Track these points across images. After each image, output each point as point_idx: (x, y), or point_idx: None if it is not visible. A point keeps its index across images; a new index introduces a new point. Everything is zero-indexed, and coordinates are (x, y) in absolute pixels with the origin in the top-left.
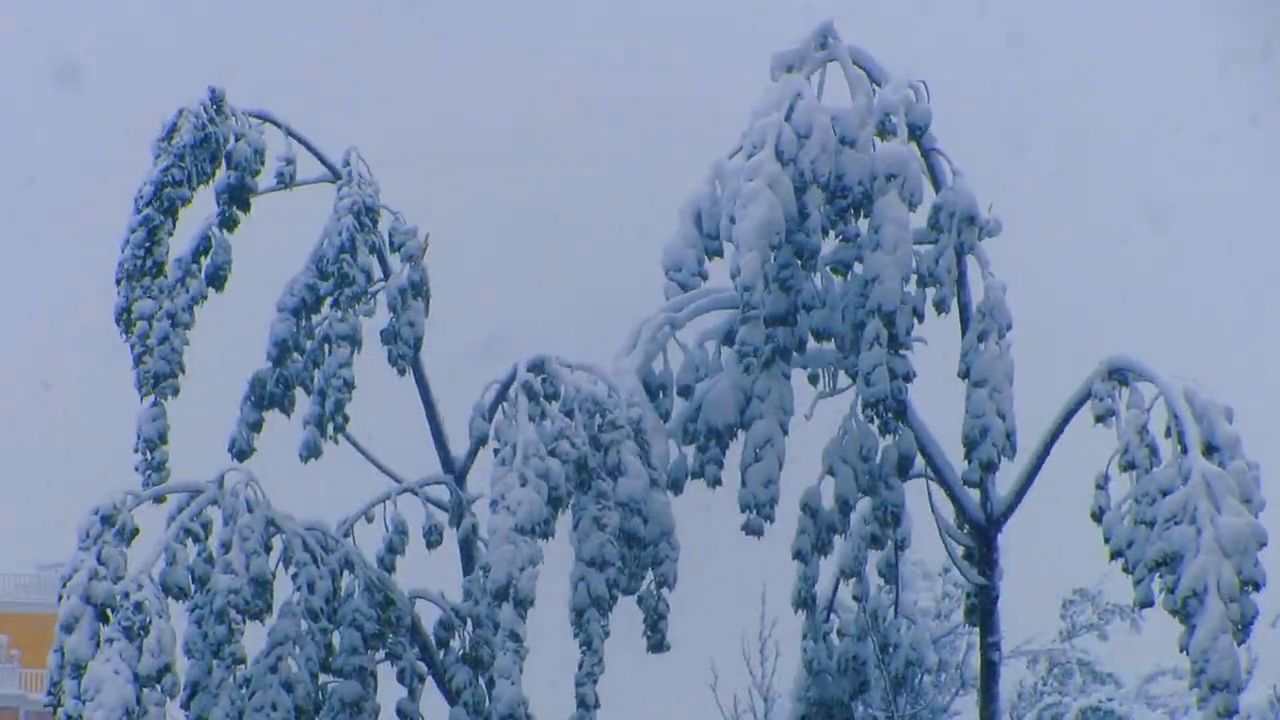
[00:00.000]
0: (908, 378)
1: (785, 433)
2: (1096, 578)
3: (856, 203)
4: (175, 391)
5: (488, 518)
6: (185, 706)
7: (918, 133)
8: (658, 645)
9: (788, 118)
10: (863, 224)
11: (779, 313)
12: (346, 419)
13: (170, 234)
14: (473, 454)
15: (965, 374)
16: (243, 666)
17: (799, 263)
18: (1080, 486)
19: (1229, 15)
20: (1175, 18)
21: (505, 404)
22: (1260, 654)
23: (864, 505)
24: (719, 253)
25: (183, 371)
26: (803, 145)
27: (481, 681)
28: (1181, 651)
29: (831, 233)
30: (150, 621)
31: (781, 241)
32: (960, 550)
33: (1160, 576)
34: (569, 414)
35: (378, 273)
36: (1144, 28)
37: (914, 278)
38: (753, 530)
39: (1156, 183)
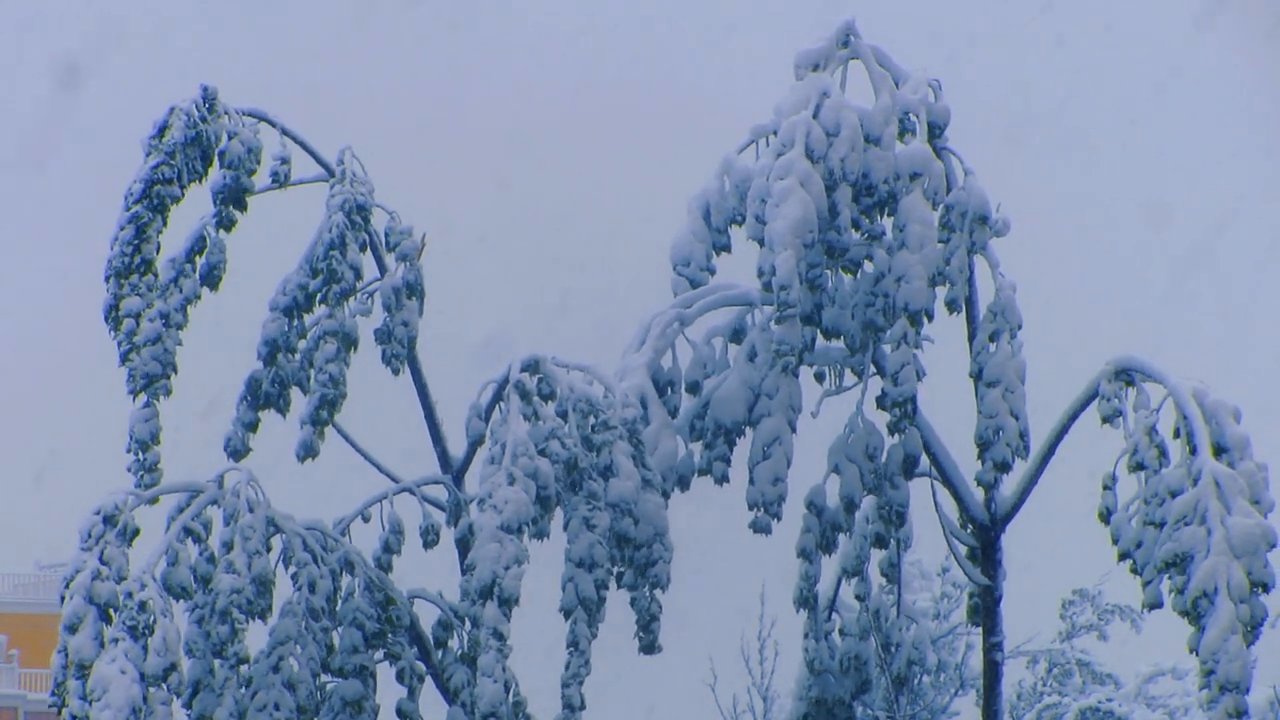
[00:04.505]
0: (919, 376)
1: (794, 431)
2: (1096, 578)
3: (881, 201)
4: (167, 392)
5: (475, 516)
6: (187, 706)
7: (936, 132)
8: (649, 647)
9: (815, 116)
10: (886, 222)
11: (806, 311)
12: (330, 416)
13: (160, 232)
14: (470, 454)
15: (977, 374)
16: (246, 666)
17: (825, 261)
18: (1076, 487)
19: (1232, 14)
20: (1178, 17)
21: (502, 403)
22: (1260, 654)
23: (868, 504)
24: (727, 247)
25: (175, 372)
26: (832, 144)
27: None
28: (1191, 652)
29: (855, 231)
30: (155, 621)
31: (814, 240)
32: (963, 550)
33: (1170, 577)
34: (563, 414)
35: (372, 272)
36: (1146, 27)
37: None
38: (760, 528)
39: (1158, 182)
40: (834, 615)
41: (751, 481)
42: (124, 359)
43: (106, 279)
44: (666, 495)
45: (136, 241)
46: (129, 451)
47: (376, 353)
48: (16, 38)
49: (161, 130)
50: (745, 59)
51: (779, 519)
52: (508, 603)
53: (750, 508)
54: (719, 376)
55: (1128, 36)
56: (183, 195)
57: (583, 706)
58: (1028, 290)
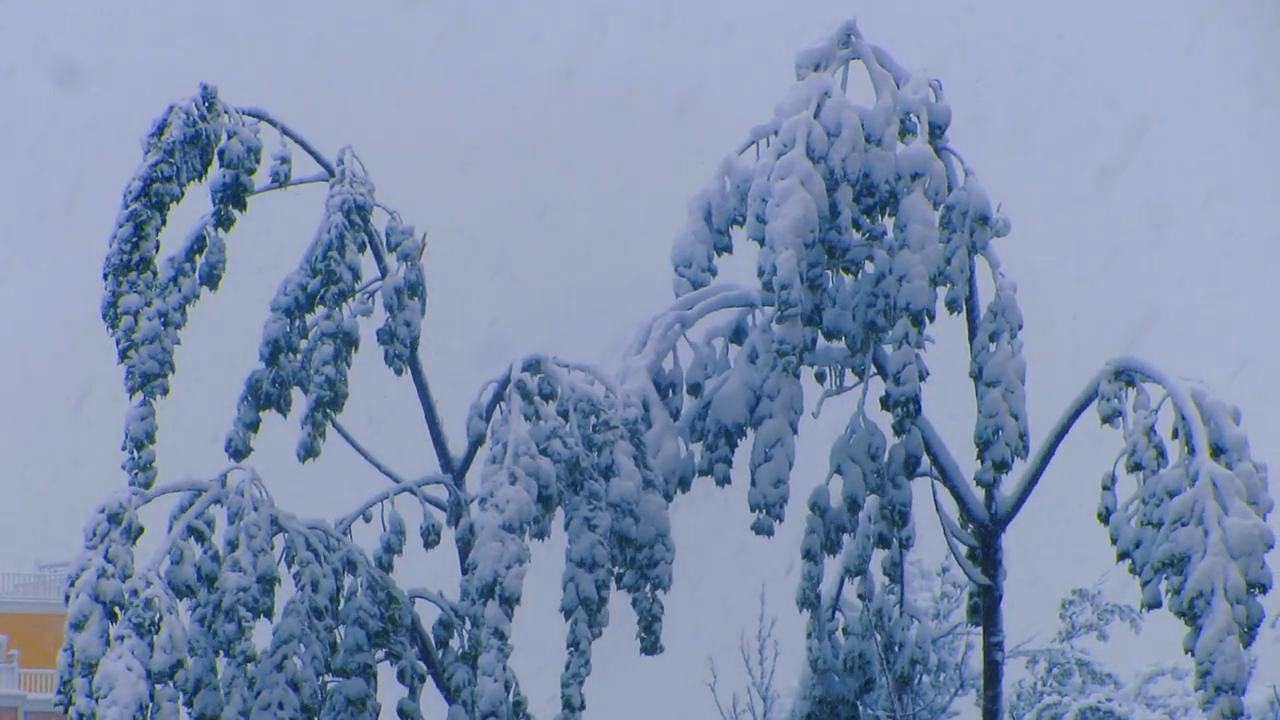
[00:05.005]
0: (922, 376)
1: (795, 432)
2: (1095, 578)
3: (883, 201)
4: (164, 391)
5: (476, 515)
6: (189, 704)
7: (937, 132)
8: (651, 647)
9: (816, 115)
10: (887, 222)
11: (806, 311)
12: (328, 416)
13: (159, 230)
14: (471, 453)
15: (977, 374)
16: (253, 664)
17: (826, 261)
18: (1075, 487)
19: (1234, 15)
20: (1181, 17)
21: (502, 403)
22: (1260, 654)
23: (870, 503)
24: (728, 248)
25: (172, 371)
26: (833, 144)
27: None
28: (1187, 653)
29: (855, 231)
30: (161, 618)
31: (815, 240)
32: (964, 550)
33: (1167, 578)
34: (564, 414)
35: (372, 272)
36: (1148, 27)
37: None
38: (762, 530)
39: (1158, 182)
40: (837, 614)
41: (753, 483)
42: (122, 356)
43: (105, 276)
44: (669, 497)
45: (135, 239)
46: (124, 450)
47: (376, 353)
48: (18, 37)
49: (161, 128)
50: (745, 59)
51: (781, 520)
52: (509, 602)
53: (752, 509)
54: (719, 377)
55: (1129, 36)
56: (182, 194)
57: (582, 706)
58: (1027, 290)
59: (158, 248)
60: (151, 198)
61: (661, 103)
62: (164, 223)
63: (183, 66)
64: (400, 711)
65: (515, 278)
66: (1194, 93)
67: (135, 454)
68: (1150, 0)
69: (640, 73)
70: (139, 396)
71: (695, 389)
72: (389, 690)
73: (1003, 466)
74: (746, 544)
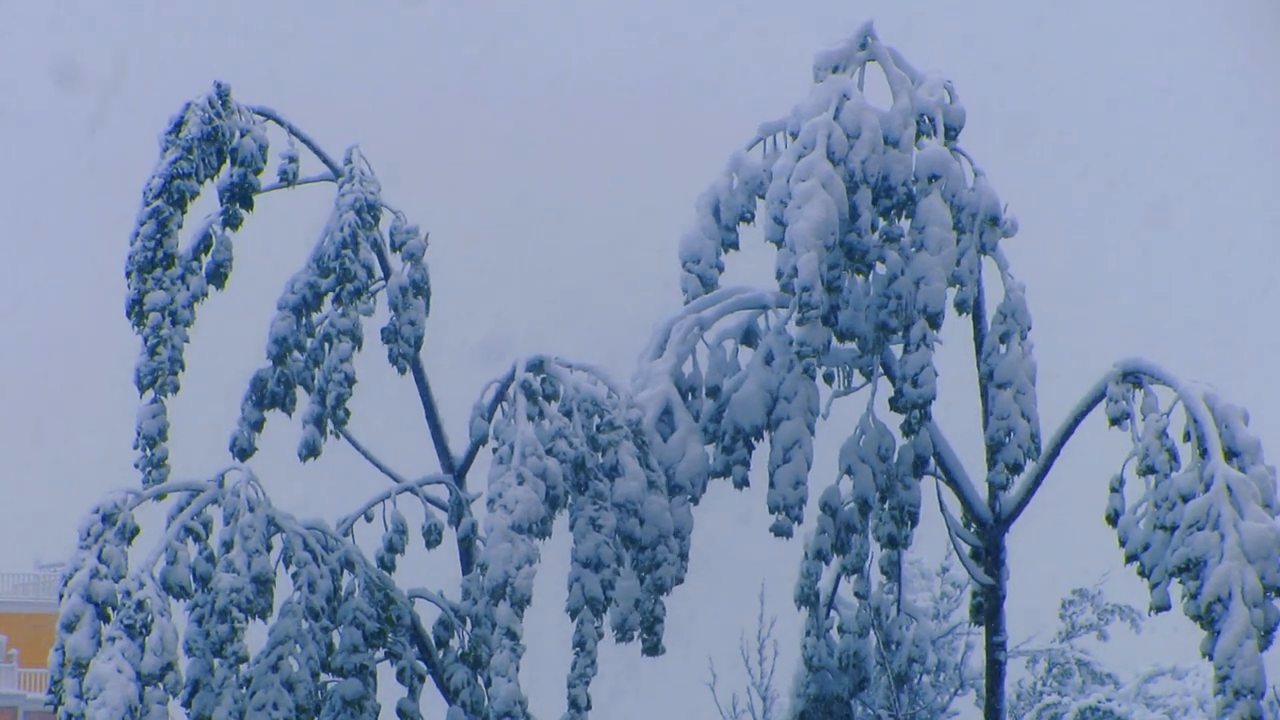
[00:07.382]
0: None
1: (812, 433)
2: (1095, 578)
3: (900, 203)
4: (175, 389)
5: (484, 516)
6: (186, 705)
7: (952, 134)
8: (653, 648)
9: (836, 117)
10: (903, 224)
11: (825, 313)
12: (348, 414)
13: (180, 226)
14: (472, 453)
15: (988, 376)
16: (245, 665)
17: (844, 263)
18: (1076, 487)
19: (1233, 15)
20: (1180, 17)
21: (504, 403)
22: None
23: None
24: (735, 244)
25: (182, 369)
26: (853, 146)
27: (480, 680)
28: (1204, 657)
29: (873, 233)
30: (152, 620)
31: (835, 242)
32: (967, 549)
33: (1182, 582)
34: (568, 414)
35: (378, 271)
36: (1148, 26)
37: None
38: (782, 531)
39: (1158, 182)
40: (833, 613)
41: (772, 485)
42: (152, 353)
43: (128, 274)
44: (695, 500)
45: (158, 236)
46: (136, 447)
47: (376, 352)
48: (18, 37)
49: (178, 126)
50: (747, 58)
51: (800, 522)
52: (520, 602)
53: (771, 511)
54: (732, 380)
55: (1133, 36)
56: (200, 190)
57: (589, 706)
58: (1029, 291)
59: (177, 244)
60: (173, 194)
61: (663, 102)
62: (184, 219)
63: (182, 66)
64: (400, 711)
65: (516, 277)
66: (1198, 92)
67: (148, 452)
68: (1155, 1)
69: (641, 72)
70: (149, 394)
71: (714, 391)
72: (389, 690)
73: (1015, 468)
74: (745, 543)
